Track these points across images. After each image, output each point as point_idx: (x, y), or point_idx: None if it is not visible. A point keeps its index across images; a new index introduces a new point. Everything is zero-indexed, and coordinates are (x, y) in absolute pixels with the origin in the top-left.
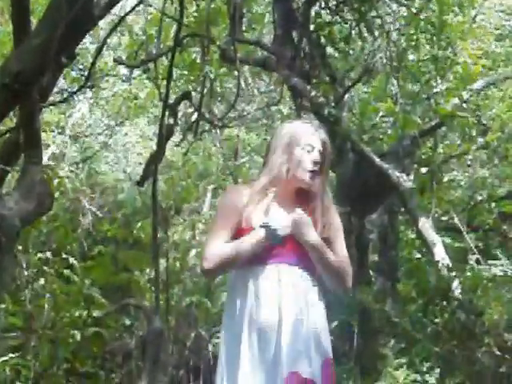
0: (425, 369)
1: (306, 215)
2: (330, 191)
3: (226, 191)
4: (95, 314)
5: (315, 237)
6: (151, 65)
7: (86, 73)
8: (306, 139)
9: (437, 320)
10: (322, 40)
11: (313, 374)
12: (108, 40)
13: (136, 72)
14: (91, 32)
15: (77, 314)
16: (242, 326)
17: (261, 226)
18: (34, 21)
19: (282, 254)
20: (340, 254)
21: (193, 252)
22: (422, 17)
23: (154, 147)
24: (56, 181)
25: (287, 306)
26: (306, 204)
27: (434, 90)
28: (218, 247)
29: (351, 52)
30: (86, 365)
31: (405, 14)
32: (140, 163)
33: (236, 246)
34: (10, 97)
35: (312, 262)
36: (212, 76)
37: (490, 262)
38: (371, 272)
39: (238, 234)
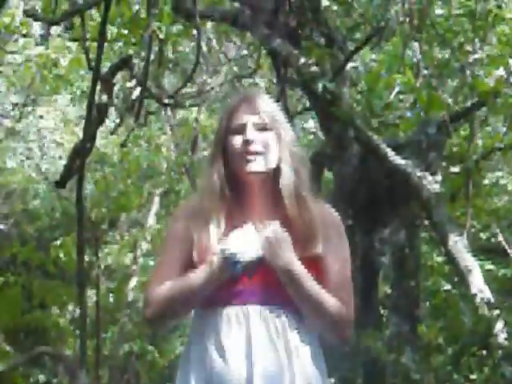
0: None
1: (282, 230)
2: (306, 178)
3: (174, 211)
4: None
5: (295, 264)
6: (76, 20)
7: None
8: (235, 119)
9: (473, 376)
10: None
11: None
12: None
13: (55, 30)
14: None
15: None
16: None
17: (215, 254)
18: None
19: (250, 291)
20: (334, 278)
21: (133, 281)
22: None
23: (80, 135)
24: None
25: (260, 361)
26: (278, 210)
27: (471, 58)
28: (163, 288)
29: (356, 4)
30: None
31: None
32: (60, 157)
33: (184, 284)
34: None
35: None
36: (161, 36)
37: None
38: (382, 309)
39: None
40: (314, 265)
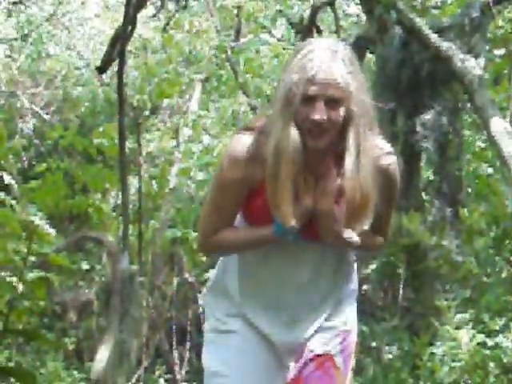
0: (497, 327)
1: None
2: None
3: (229, 153)
4: (40, 250)
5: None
6: None
7: None
8: (307, 85)
9: None
10: None
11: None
12: None
13: None
14: None
15: (14, 249)
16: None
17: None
18: None
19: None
20: (382, 220)
21: (175, 168)
22: None
23: (120, 20)
24: None
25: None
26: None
27: None
28: (218, 235)
29: None
30: (26, 321)
31: None
32: (101, 43)
33: (241, 238)
34: None
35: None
36: None
37: None
38: (424, 194)
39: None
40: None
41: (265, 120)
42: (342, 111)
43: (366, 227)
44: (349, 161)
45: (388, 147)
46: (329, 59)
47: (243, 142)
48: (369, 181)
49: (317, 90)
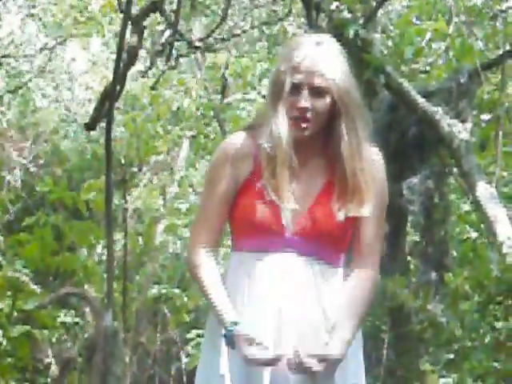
0: None
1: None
2: (362, 133)
3: (219, 147)
4: (24, 306)
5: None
6: None
7: None
8: (293, 74)
9: (499, 324)
10: None
11: None
12: None
13: None
14: None
15: None
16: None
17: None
18: None
19: (289, 240)
20: (369, 240)
21: (162, 225)
22: None
23: (110, 77)
24: None
25: (289, 305)
26: (330, 170)
27: (504, 6)
28: (201, 264)
29: None
30: (9, 377)
31: None
32: (90, 100)
33: (207, 292)
34: None
35: (334, 249)
36: None
37: None
38: (409, 257)
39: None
40: (354, 221)
41: (257, 114)
42: (327, 101)
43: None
44: (344, 145)
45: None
46: (314, 50)
47: (234, 138)
48: (365, 164)
49: (302, 78)
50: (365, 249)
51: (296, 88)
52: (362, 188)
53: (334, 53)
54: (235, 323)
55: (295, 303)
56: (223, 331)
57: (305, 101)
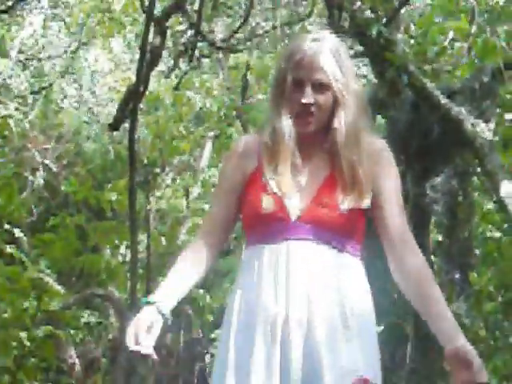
0: None
1: None
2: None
3: (231, 147)
4: (49, 307)
5: None
6: None
7: None
8: (295, 71)
9: None
10: None
11: None
12: None
13: None
14: None
15: (23, 306)
16: (238, 316)
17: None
18: None
19: (294, 228)
20: (396, 223)
21: (186, 225)
22: None
23: (133, 78)
24: None
25: (297, 294)
26: (331, 163)
27: None
28: (192, 244)
29: None
30: (34, 377)
31: None
32: (113, 100)
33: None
34: None
35: (343, 236)
36: None
37: None
38: (433, 257)
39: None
40: (374, 204)
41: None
42: (329, 96)
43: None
44: (340, 137)
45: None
46: (315, 46)
47: (245, 136)
48: (364, 156)
49: (303, 74)
50: (398, 237)
51: (298, 85)
52: (360, 180)
53: (334, 47)
54: (148, 301)
55: (310, 287)
56: (142, 301)
57: (308, 96)
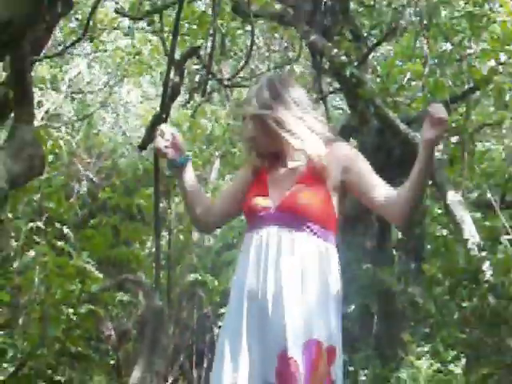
0: (450, 357)
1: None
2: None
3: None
4: (90, 289)
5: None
6: (156, 17)
7: (84, 24)
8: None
9: (465, 304)
10: None
11: (295, 352)
12: None
13: (139, 25)
14: None
15: (70, 288)
16: (234, 294)
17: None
18: None
19: (271, 217)
20: (382, 186)
21: None
22: None
23: (158, 108)
24: (50, 142)
25: (274, 274)
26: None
27: (468, 51)
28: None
29: (377, 7)
30: (78, 345)
31: None
32: (142, 126)
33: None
34: None
35: (314, 221)
36: (223, 31)
37: None
38: (394, 250)
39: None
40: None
41: None
42: (259, 124)
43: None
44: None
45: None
46: (254, 87)
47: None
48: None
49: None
50: (381, 189)
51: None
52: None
53: (269, 85)
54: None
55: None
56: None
57: (244, 124)
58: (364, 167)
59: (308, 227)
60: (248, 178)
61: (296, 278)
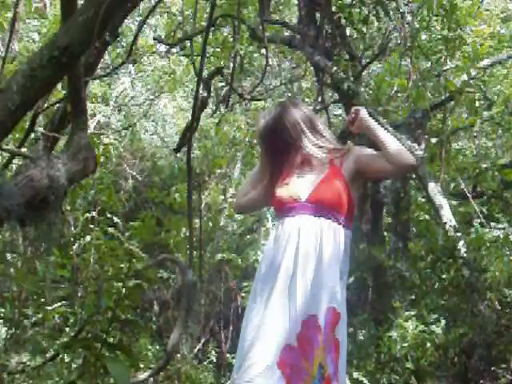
0: (432, 320)
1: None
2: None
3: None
4: (136, 267)
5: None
6: (187, 43)
7: (128, 50)
8: None
9: (444, 276)
10: (343, 21)
11: (320, 317)
12: (148, 20)
13: (173, 49)
14: (133, 12)
15: (119, 266)
16: (263, 269)
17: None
18: (79, 1)
19: (302, 206)
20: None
21: (224, 213)
22: (433, 0)
23: (190, 118)
24: (101, 147)
25: (302, 253)
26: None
27: (444, 68)
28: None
29: (369, 32)
30: (127, 313)
31: None
32: (176, 133)
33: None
34: (58, 69)
35: (337, 212)
36: (242, 53)
37: (492, 224)
38: (385, 232)
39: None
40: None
41: None
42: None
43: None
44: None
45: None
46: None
47: None
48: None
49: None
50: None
51: None
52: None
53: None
54: None
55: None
56: None
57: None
58: (362, 149)
59: (333, 216)
60: (271, 171)
61: (323, 258)
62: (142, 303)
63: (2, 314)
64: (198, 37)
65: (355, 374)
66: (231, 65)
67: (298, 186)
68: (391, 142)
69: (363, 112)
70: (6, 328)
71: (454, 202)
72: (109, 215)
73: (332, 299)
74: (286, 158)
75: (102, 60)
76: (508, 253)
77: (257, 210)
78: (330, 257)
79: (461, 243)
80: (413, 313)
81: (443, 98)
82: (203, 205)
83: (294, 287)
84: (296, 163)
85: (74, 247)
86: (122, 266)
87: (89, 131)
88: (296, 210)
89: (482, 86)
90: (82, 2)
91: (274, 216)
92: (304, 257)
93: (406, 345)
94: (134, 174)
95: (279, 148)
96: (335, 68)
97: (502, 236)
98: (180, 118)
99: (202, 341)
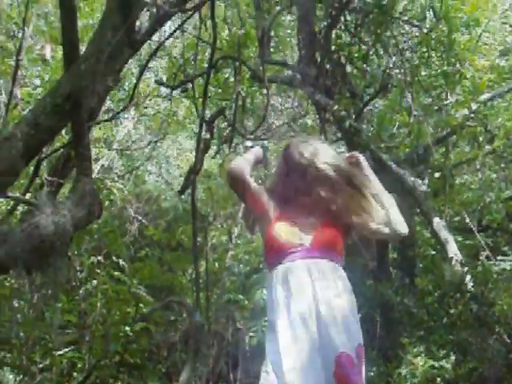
0: (441, 355)
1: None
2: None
3: None
4: (143, 310)
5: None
6: (189, 85)
7: (130, 94)
8: None
9: (451, 311)
10: (343, 59)
11: (351, 353)
12: (149, 63)
13: (175, 92)
14: (134, 56)
15: (126, 311)
16: (282, 315)
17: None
18: (82, 48)
19: (309, 250)
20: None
21: (229, 254)
22: (432, 36)
23: (193, 159)
24: (105, 191)
25: (320, 294)
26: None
27: (445, 102)
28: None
29: (369, 70)
30: (135, 357)
31: (417, 34)
32: (180, 175)
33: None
34: (61, 116)
35: (336, 254)
36: (243, 94)
37: (499, 258)
38: (391, 268)
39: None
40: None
41: None
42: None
43: None
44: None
45: None
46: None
47: None
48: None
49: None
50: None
51: None
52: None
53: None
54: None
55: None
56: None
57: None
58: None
59: (335, 257)
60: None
61: (338, 299)
62: (150, 346)
63: (9, 361)
64: (199, 79)
65: None
66: (233, 105)
67: (300, 229)
68: (384, 203)
69: (362, 159)
70: (13, 374)
71: (460, 237)
72: (114, 259)
73: (359, 336)
74: (297, 196)
75: (104, 104)
76: None
77: (239, 191)
78: (346, 297)
79: (468, 277)
80: (422, 349)
81: (445, 132)
82: (209, 246)
83: (323, 331)
84: (303, 205)
85: (81, 292)
86: (129, 309)
87: (93, 176)
88: (300, 254)
89: (484, 120)
90: (84, 49)
91: (269, 256)
92: (323, 301)
93: (415, 381)
94: (139, 217)
95: (298, 187)
96: (336, 106)
97: (508, 268)
98: (183, 159)
99: (211, 383)
